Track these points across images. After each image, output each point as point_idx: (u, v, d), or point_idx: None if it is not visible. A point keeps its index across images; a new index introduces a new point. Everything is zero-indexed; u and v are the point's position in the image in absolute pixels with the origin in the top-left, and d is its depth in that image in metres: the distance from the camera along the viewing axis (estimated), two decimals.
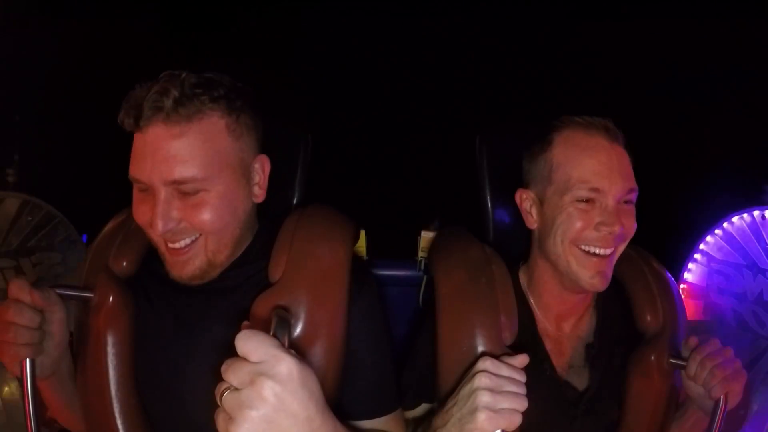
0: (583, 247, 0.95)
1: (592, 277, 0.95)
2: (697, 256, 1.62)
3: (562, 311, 1.04)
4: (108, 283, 0.93)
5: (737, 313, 1.52)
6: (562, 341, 1.04)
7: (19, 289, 0.83)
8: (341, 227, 0.96)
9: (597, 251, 0.94)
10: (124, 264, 0.97)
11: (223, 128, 0.85)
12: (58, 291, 0.89)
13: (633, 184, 0.95)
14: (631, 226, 0.95)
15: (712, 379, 0.89)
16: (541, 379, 0.96)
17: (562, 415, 0.98)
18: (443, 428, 0.80)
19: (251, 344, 0.54)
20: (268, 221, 1.00)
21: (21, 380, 0.83)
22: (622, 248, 0.97)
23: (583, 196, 0.93)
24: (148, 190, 0.84)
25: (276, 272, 0.89)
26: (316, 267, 0.89)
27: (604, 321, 1.06)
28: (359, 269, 0.95)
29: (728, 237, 1.56)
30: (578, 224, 0.94)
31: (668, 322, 1.03)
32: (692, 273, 1.63)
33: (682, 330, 1.06)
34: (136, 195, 0.87)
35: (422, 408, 1.04)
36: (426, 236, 1.52)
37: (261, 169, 0.93)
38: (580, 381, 1.01)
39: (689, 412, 1.02)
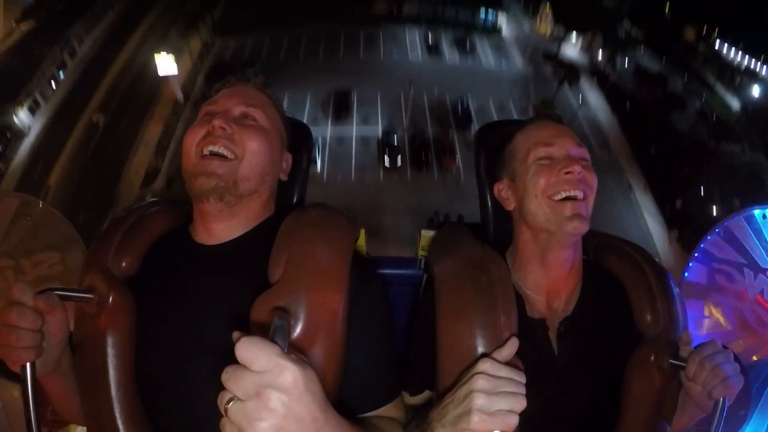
0: (555, 197, 1.02)
1: (570, 219, 1.00)
2: (697, 255, 1.62)
3: (550, 288, 1.07)
4: (107, 284, 0.94)
5: (738, 313, 1.52)
6: (552, 319, 1.06)
7: (21, 292, 0.84)
8: (341, 227, 0.96)
9: (568, 194, 1.02)
10: (124, 264, 0.97)
11: (276, 110, 1.12)
12: (59, 293, 0.89)
13: (580, 141, 1.08)
14: (593, 177, 1.05)
15: (711, 380, 0.89)
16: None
17: (539, 377, 0.99)
18: (438, 422, 0.82)
19: (252, 353, 0.54)
20: (277, 214, 1.05)
21: (22, 382, 0.84)
22: (592, 198, 1.04)
23: (541, 153, 1.06)
24: (209, 118, 1.00)
25: (275, 273, 0.88)
26: (316, 267, 0.88)
27: (583, 298, 1.08)
28: (364, 265, 0.96)
29: (729, 236, 1.56)
30: (543, 177, 1.04)
31: (668, 323, 1.03)
32: (692, 272, 1.62)
33: (683, 330, 1.06)
34: (198, 122, 1.03)
35: (423, 396, 1.06)
36: (426, 235, 1.52)
37: (286, 161, 1.13)
38: (557, 350, 1.04)
39: (686, 404, 1.02)
